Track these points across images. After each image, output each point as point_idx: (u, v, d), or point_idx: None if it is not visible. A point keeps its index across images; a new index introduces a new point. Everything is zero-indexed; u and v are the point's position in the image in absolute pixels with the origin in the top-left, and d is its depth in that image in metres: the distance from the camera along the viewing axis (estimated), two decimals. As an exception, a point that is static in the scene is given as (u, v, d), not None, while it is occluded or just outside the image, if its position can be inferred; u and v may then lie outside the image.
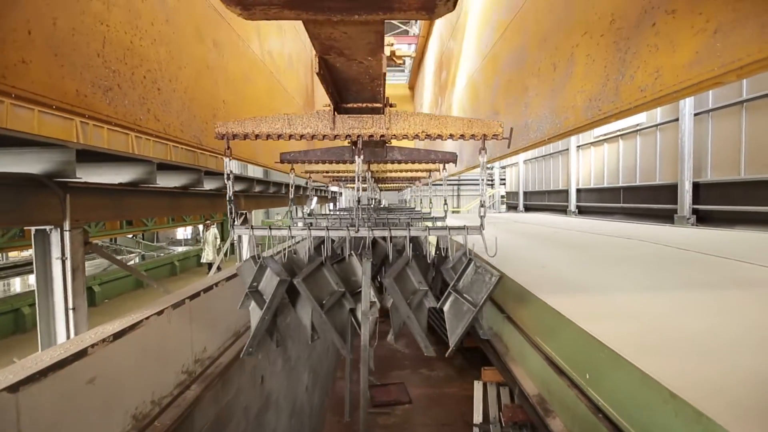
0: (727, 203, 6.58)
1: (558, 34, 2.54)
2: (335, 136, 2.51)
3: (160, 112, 2.59)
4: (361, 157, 2.48)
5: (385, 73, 1.94)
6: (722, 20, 1.31)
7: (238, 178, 4.39)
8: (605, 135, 10.06)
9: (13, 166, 1.94)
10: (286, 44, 6.07)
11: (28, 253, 13.26)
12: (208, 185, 3.77)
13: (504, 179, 21.55)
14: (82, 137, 6.44)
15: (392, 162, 3.45)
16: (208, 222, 12.09)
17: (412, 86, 13.80)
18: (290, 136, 2.51)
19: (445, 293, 2.53)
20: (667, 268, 3.15)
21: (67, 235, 2.00)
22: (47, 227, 2.01)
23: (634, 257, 3.66)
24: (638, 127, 8.73)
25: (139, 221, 9.89)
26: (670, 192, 7.70)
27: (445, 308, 2.52)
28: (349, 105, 2.38)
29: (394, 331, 2.69)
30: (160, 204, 2.91)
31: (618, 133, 9.49)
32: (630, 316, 1.95)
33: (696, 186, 7.14)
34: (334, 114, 2.39)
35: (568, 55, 2.39)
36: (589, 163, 11.04)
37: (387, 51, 6.96)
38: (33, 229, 2.00)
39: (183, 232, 18.70)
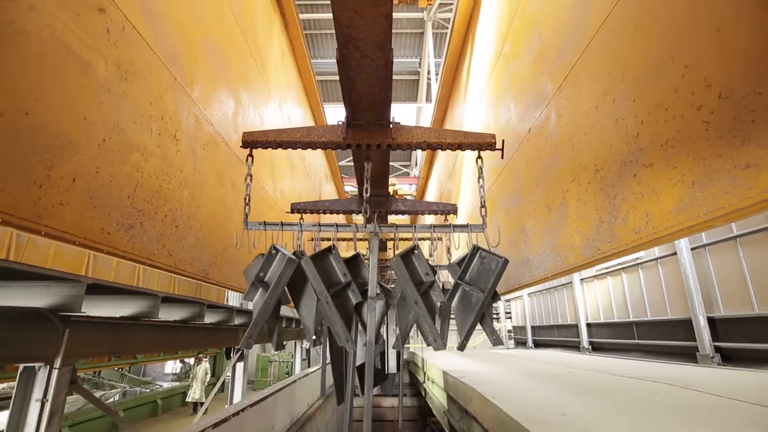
0: (750, 340, 6.26)
1: (548, 180, 2.79)
2: (347, 145, 2.63)
3: (174, 247, 2.70)
4: (369, 174, 2.56)
5: (390, 88, 2.23)
6: (697, 174, 1.46)
7: (238, 311, 4.32)
8: (607, 269, 10.16)
9: (22, 300, 1.94)
10: (297, 184, 6.63)
11: (2, 386, 12.22)
12: (209, 318, 3.69)
13: (509, 313, 21.00)
14: (93, 266, 6.55)
15: (396, 213, 3.55)
16: (200, 355, 11.43)
17: (413, 223, 14.53)
18: (307, 145, 2.69)
19: (452, 287, 2.44)
20: (705, 419, 2.84)
21: (55, 373, 1.89)
22: (36, 365, 1.91)
23: (663, 404, 3.33)
24: (638, 261, 8.86)
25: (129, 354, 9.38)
26: (685, 327, 7.41)
27: (453, 304, 2.45)
28: (359, 122, 2.59)
29: (400, 333, 2.65)
30: (158, 338, 2.81)
31: (619, 266, 9.60)
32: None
33: (712, 321, 6.90)
34: (345, 128, 2.58)
35: (560, 199, 2.57)
36: (595, 296, 10.90)
37: (390, 189, 7.54)
38: (21, 366, 1.90)
39: (172, 366, 17.54)
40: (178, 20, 2.77)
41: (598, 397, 3.65)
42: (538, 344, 14.79)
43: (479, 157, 2.66)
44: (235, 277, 3.74)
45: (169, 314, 3.12)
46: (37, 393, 1.88)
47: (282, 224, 2.72)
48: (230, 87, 3.69)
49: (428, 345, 2.53)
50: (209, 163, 3.23)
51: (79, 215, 1.87)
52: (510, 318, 21.10)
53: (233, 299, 16.17)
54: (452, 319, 2.70)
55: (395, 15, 12.63)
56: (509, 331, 22.30)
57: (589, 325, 11.14)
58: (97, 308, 2.52)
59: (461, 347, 2.54)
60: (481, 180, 2.59)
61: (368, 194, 2.59)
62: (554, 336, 13.50)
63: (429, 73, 11.18)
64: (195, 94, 2.99)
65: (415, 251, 2.55)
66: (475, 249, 2.55)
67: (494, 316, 24.17)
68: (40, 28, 1.68)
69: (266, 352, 20.69)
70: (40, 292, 1.97)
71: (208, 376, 11.08)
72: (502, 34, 3.93)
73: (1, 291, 1.97)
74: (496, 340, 2.66)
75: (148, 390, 12.47)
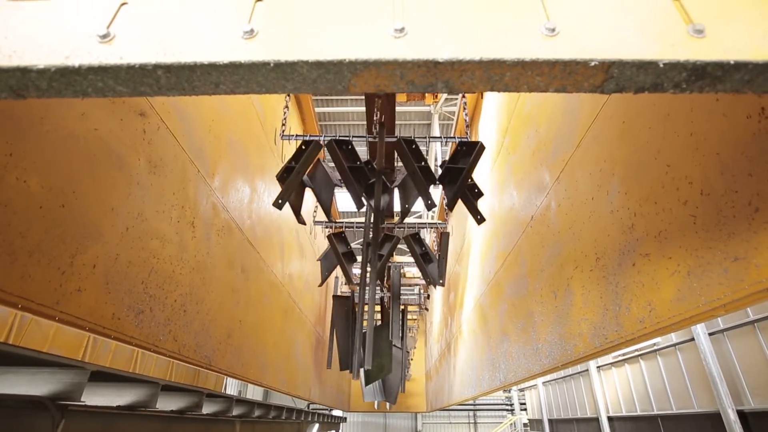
0: (787, 439, 5.73)
1: (552, 266, 2.84)
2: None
3: (180, 332, 2.70)
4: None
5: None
6: (691, 264, 1.51)
7: (237, 401, 4.12)
8: (624, 355, 9.67)
9: (24, 387, 1.92)
10: (305, 268, 6.70)
11: None
12: (207, 409, 3.52)
13: (524, 404, 19.51)
14: (92, 348, 6.37)
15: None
16: None
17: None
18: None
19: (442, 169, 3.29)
20: None
21: (44, 472, 1.79)
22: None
23: None
24: (655, 347, 8.47)
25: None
26: (713, 422, 6.83)
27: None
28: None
29: (402, 212, 3.48)
30: (152, 430, 2.67)
31: (636, 353, 9.15)
32: None
33: (742, 415, 6.38)
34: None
35: (565, 285, 2.60)
36: (614, 385, 10.23)
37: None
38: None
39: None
40: (205, 120, 3.09)
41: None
42: (558, 441, 13.52)
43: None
44: (237, 364, 3.64)
45: (166, 403, 3.00)
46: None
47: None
48: (247, 176, 3.95)
49: (427, 207, 3.19)
50: (222, 248, 3.35)
51: (94, 301, 1.93)
52: (525, 410, 19.53)
53: (232, 387, 15.33)
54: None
55: (404, 108, 13.73)
56: (525, 425, 20.50)
57: (610, 419, 10.29)
58: (95, 396, 2.45)
59: (450, 206, 3.51)
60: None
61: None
62: (574, 431, 12.38)
63: (436, 160, 11.84)
64: (215, 184, 3.21)
65: (413, 146, 3.25)
66: (459, 143, 3.29)
67: (508, 407, 22.39)
68: (87, 132, 1.90)
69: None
70: (43, 378, 1.95)
71: None
72: (503, 128, 4.27)
73: (4, 377, 1.95)
74: (480, 219, 3.49)
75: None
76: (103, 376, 2.47)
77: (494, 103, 4.76)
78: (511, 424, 21.67)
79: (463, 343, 6.49)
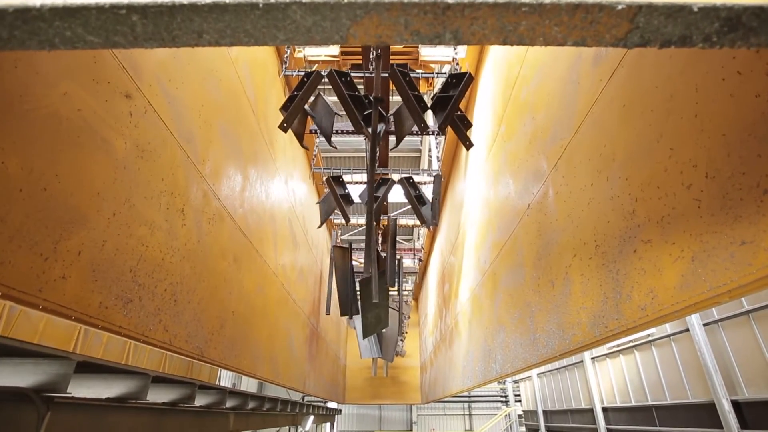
0: (779, 428, 5.79)
1: (550, 255, 2.80)
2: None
3: (171, 322, 2.64)
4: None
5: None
6: (695, 249, 1.47)
7: (231, 393, 4.07)
8: (618, 346, 9.73)
9: (7, 378, 1.86)
10: (299, 258, 6.64)
11: None
12: (199, 401, 3.47)
13: (519, 395, 19.67)
14: (83, 340, 6.32)
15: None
16: None
17: (416, 297, 14.26)
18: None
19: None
20: None
21: (28, 465, 1.74)
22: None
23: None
24: (650, 338, 8.52)
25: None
26: (708, 412, 6.89)
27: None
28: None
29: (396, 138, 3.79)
30: (143, 423, 2.62)
31: (630, 344, 9.20)
32: None
33: (737, 405, 6.43)
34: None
35: (563, 274, 2.56)
36: (608, 376, 10.30)
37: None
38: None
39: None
40: (195, 105, 3.00)
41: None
42: (551, 431, 13.65)
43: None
44: (231, 356, 3.59)
45: (157, 395, 2.94)
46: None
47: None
48: (239, 164, 3.87)
49: (420, 131, 3.60)
50: (213, 237, 3.28)
51: (80, 289, 1.86)
52: (519, 401, 19.70)
53: (226, 380, 15.30)
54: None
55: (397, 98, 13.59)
56: (519, 417, 20.69)
57: (605, 410, 10.37)
58: (83, 388, 2.39)
59: (441, 128, 3.60)
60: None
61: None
62: (569, 422, 12.50)
63: (430, 151, 11.80)
64: (206, 171, 3.13)
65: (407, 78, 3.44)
66: (450, 75, 3.47)
67: (503, 399, 22.58)
68: (70, 112, 1.81)
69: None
70: (26, 369, 1.89)
71: None
72: (498, 116, 4.21)
73: (-12, 368, 1.89)
74: (468, 145, 3.81)
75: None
76: (91, 368, 2.41)
77: (489, 91, 4.69)
78: (506, 415, 21.88)
79: (458, 334, 6.48)
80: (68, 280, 1.79)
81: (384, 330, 7.53)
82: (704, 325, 7.09)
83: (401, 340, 11.19)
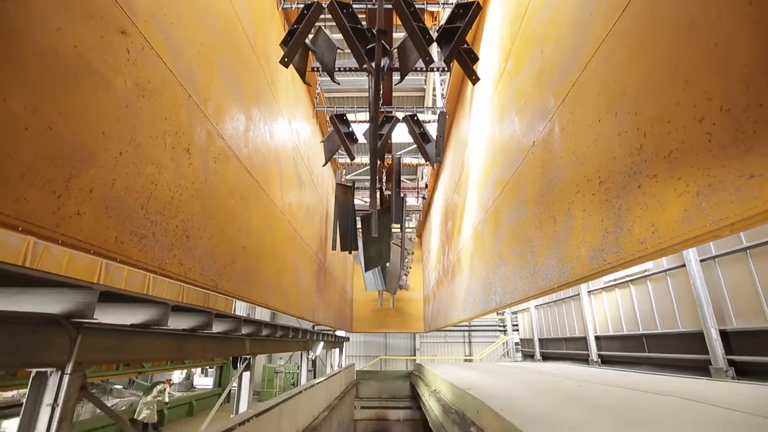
0: (763, 354, 6.15)
1: (553, 192, 2.81)
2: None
3: (185, 257, 2.75)
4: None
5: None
6: (701, 184, 1.48)
7: (246, 321, 4.35)
8: (615, 280, 10.07)
9: (37, 306, 1.99)
10: (305, 197, 6.71)
11: (10, 394, 12.30)
12: (217, 328, 3.72)
13: (516, 325, 20.78)
14: (104, 275, 6.66)
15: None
16: (168, 380, 11.39)
17: (419, 235, 14.55)
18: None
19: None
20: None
21: (66, 379, 1.93)
22: (48, 369, 1.95)
23: (680, 421, 3.27)
24: (646, 273, 8.78)
25: (136, 362, 9.42)
26: (697, 340, 7.30)
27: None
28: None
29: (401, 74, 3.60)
30: (166, 346, 2.84)
31: (627, 278, 9.51)
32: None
33: (724, 334, 6.79)
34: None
35: (565, 210, 2.59)
36: (603, 308, 10.79)
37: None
38: (33, 371, 1.94)
39: (179, 376, 17.56)
40: (193, 43, 2.87)
41: (609, 411, 3.60)
42: (546, 357, 14.60)
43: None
44: (243, 288, 3.78)
45: (178, 323, 3.15)
46: (48, 398, 1.92)
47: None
48: (242, 103, 3.79)
49: (425, 64, 3.24)
50: (220, 176, 3.30)
51: (95, 225, 1.93)
52: (517, 330, 20.88)
53: (240, 311, 16.20)
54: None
55: (400, 34, 12.84)
56: (516, 344, 22.05)
57: (597, 338, 11.00)
58: (108, 316, 2.57)
59: (447, 62, 3.31)
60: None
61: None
62: (562, 349, 13.32)
63: (434, 89, 11.36)
64: (208, 110, 3.08)
65: (411, 9, 3.27)
66: (456, 5, 3.31)
67: (501, 328, 23.90)
68: (66, 48, 1.76)
69: (272, 363, 20.61)
70: (54, 299, 2.02)
71: (165, 397, 11.05)
72: (506, 50, 4.00)
73: (18, 297, 2.02)
74: (474, 79, 3.61)
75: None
76: (114, 297, 2.56)
77: (497, 23, 4.42)
78: (503, 343, 23.28)
79: (459, 269, 6.71)
80: (83, 217, 1.85)
81: (387, 264, 7.84)
82: (701, 261, 7.26)
83: (405, 275, 11.62)
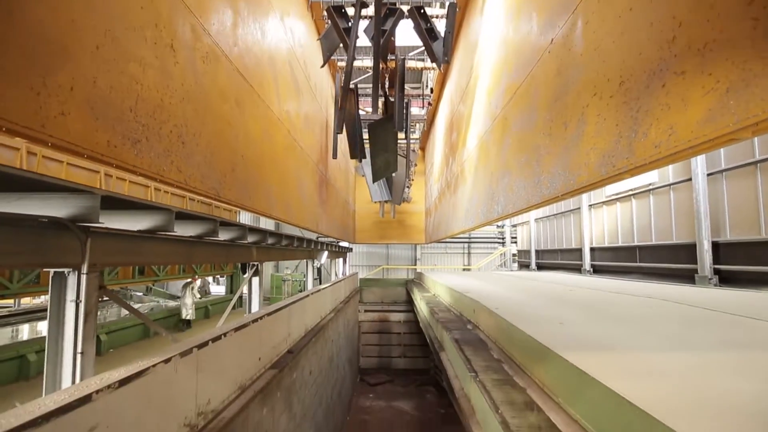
0: (750, 263, 6.38)
1: (568, 95, 2.64)
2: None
3: (183, 164, 2.69)
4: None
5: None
6: (733, 79, 1.35)
7: (251, 230, 4.44)
8: (617, 194, 10.09)
9: (39, 210, 1.99)
10: (303, 105, 6.42)
11: (39, 300, 13.31)
12: (223, 236, 3.81)
13: (515, 237, 21.44)
14: (105, 187, 6.68)
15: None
16: (195, 277, 12.18)
17: (423, 147, 14.27)
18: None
19: None
20: (694, 327, 2.99)
21: (84, 278, 2.01)
22: (66, 270, 2.02)
23: (657, 316, 3.50)
24: (651, 187, 8.76)
25: (150, 271, 9.94)
26: (688, 251, 7.54)
27: None
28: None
29: None
30: (176, 251, 2.93)
31: (630, 192, 9.52)
32: (658, 375, 1.82)
33: (716, 245, 6.98)
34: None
35: (578, 115, 2.46)
36: (602, 221, 10.98)
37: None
38: (51, 271, 2.01)
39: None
40: None
41: (596, 310, 3.84)
42: (541, 267, 15.30)
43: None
44: (245, 197, 3.78)
45: (184, 230, 3.21)
46: (71, 295, 2.02)
47: None
48: (227, -8, 3.40)
49: None
50: (211, 78, 3.09)
51: (83, 127, 1.83)
52: (515, 242, 21.61)
53: (245, 220, 16.65)
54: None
55: None
56: (513, 255, 22.99)
57: (592, 250, 11.38)
58: (114, 222, 2.59)
59: None
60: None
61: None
62: (557, 259, 13.89)
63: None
64: (189, 0, 2.77)
65: None
66: None
67: (500, 240, 24.72)
68: None
69: (279, 272, 21.78)
70: (56, 203, 2.01)
71: (197, 297, 12.11)
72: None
73: (19, 203, 2.01)
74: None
75: (176, 303, 13.42)
76: (117, 204, 2.56)
77: None
78: (501, 254, 24.25)
79: (463, 180, 6.67)
80: (68, 117, 1.75)
81: (393, 174, 7.75)
82: (708, 174, 7.17)
83: (407, 186, 11.64)
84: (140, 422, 1.83)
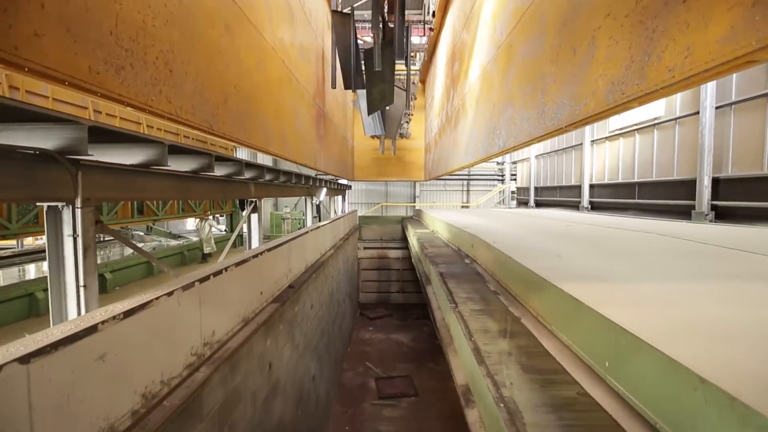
0: (748, 199, 6.41)
1: (579, 18, 2.46)
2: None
3: (172, 94, 2.57)
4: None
5: None
6: (762, -9, 1.24)
7: (249, 165, 4.38)
8: (621, 129, 9.87)
9: (25, 141, 1.93)
10: (297, 34, 6.03)
11: (41, 241, 13.55)
12: (219, 171, 3.76)
13: (515, 175, 21.34)
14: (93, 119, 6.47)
15: None
16: (207, 213, 12.40)
17: (423, 80, 13.69)
18: None
19: None
20: (687, 259, 3.07)
21: (78, 212, 2.00)
22: (59, 204, 2.01)
23: (652, 250, 3.57)
24: (656, 121, 8.54)
25: (149, 210, 9.99)
26: (687, 188, 7.54)
27: None
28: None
29: None
30: (172, 186, 2.91)
31: (635, 127, 9.30)
32: (650, 304, 1.89)
33: (716, 181, 6.96)
34: None
35: (589, 39, 2.31)
36: (603, 158, 10.86)
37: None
38: (45, 206, 2.00)
39: (193, 222, 18.91)
40: None
41: (592, 243, 3.91)
42: (539, 204, 15.41)
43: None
44: (240, 130, 3.67)
45: (179, 165, 3.16)
46: (67, 230, 2.03)
47: None
48: None
49: None
50: (195, -2, 2.85)
51: (60, 50, 1.72)
52: (515, 180, 21.56)
53: (243, 155, 16.48)
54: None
55: None
56: (512, 193, 23.06)
57: (592, 186, 11.38)
58: (105, 156, 2.53)
59: None
60: None
61: None
62: (556, 196, 13.94)
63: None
64: None
65: None
66: None
67: (499, 177, 24.66)
68: None
69: (279, 210, 21.95)
70: (42, 134, 1.94)
71: (213, 230, 12.45)
72: None
73: (2, 133, 1.94)
74: None
75: (180, 242, 13.69)
76: (105, 136, 2.48)
77: None
78: (500, 191, 24.31)
79: (464, 114, 6.48)
80: (43, 38, 1.63)
81: (388, 108, 7.46)
82: (717, 108, 6.95)
83: (407, 122, 11.34)
84: (148, 351, 1.92)
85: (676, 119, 7.98)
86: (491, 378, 1.83)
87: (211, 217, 12.66)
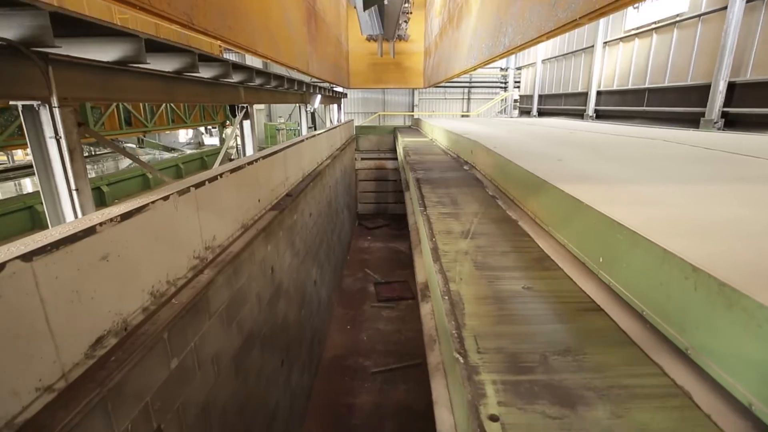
0: (762, 105, 6.15)
1: None
2: None
3: (142, -20, 2.27)
4: None
5: None
6: None
7: (236, 67, 4.09)
8: (638, 28, 9.13)
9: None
10: None
11: (30, 158, 13.29)
12: (205, 73, 3.51)
13: (518, 82, 20.29)
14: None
15: None
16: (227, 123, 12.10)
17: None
18: None
19: None
20: (693, 164, 3.02)
21: (56, 112, 1.88)
22: (34, 103, 1.88)
23: (656, 155, 3.51)
24: (678, 19, 7.86)
25: (138, 122, 9.63)
26: (700, 94, 7.20)
27: None
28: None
29: None
30: (154, 87, 2.72)
31: (653, 25, 8.59)
32: (650, 204, 1.89)
33: (731, 86, 6.62)
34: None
35: None
36: (614, 62, 10.22)
37: None
38: (20, 105, 1.88)
39: (185, 135, 18.39)
40: None
41: (594, 149, 3.83)
42: (542, 113, 14.90)
43: None
44: (224, 27, 3.33)
45: (160, 64, 2.93)
46: (48, 131, 1.93)
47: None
48: None
49: None
50: None
51: None
52: (518, 87, 20.56)
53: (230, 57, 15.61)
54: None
55: None
56: (515, 101, 22.16)
57: (599, 93, 10.88)
58: (76, 51, 2.32)
59: None
60: None
61: None
62: (561, 105, 13.43)
63: None
64: None
65: None
66: None
67: (502, 84, 23.51)
68: None
69: (273, 120, 21.28)
70: (-1, 23, 1.74)
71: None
72: None
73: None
74: None
75: (170, 155, 13.44)
76: (73, 29, 2.25)
77: None
78: (502, 100, 23.37)
79: (468, 10, 5.91)
80: None
81: (386, 2, 6.76)
82: (747, 2, 6.33)
83: (405, 21, 10.41)
84: (150, 254, 1.95)
85: (700, 16, 7.33)
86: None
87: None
